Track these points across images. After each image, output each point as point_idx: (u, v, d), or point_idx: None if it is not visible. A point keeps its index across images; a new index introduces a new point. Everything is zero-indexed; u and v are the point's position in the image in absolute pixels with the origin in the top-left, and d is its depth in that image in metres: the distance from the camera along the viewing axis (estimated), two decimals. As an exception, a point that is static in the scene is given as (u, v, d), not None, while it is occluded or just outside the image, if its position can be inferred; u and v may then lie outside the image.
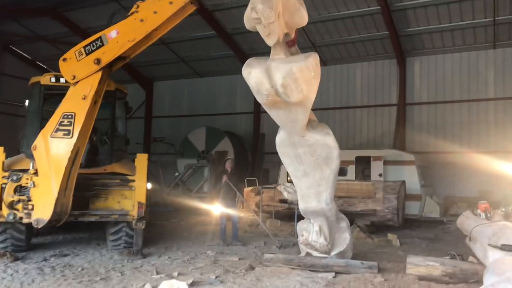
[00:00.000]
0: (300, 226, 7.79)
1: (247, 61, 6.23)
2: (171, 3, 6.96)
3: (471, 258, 6.88)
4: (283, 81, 5.82)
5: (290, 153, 6.95)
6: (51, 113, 7.77)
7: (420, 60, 17.72)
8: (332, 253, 7.28)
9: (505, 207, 6.89)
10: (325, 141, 6.76)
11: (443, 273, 6.32)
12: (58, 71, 7.75)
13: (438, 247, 9.76)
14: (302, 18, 5.96)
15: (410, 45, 17.37)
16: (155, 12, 7.00)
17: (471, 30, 16.04)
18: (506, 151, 15.49)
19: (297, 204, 10.63)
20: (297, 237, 7.80)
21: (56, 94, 8.58)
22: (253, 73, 6.02)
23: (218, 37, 18.83)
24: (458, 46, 16.86)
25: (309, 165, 6.93)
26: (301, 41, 16.90)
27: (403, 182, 12.57)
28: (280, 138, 6.96)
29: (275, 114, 6.54)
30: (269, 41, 5.92)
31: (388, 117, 18.07)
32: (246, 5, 6.12)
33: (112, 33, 7.10)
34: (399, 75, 17.78)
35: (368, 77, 18.65)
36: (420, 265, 6.55)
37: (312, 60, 5.91)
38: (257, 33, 6.17)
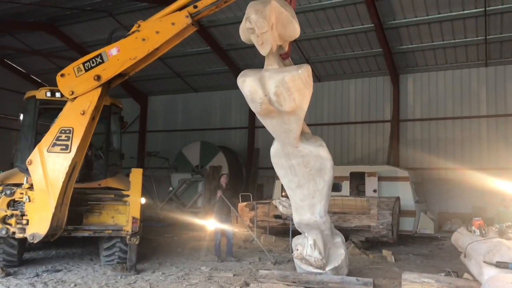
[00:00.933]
0: (295, 241, 7.77)
1: (242, 72, 6.43)
2: (173, 24, 7.07)
3: (466, 275, 6.87)
4: (276, 89, 6.01)
5: (284, 164, 7.01)
6: (46, 127, 7.76)
7: (413, 77, 17.93)
8: (327, 268, 7.25)
9: (499, 224, 6.91)
10: (318, 152, 6.82)
11: (438, 290, 6.29)
12: (53, 85, 7.78)
13: (432, 263, 9.75)
14: (295, 30, 6.18)
15: (403, 62, 17.59)
16: (157, 32, 7.11)
17: (463, 48, 16.30)
18: (498, 167, 15.61)
19: (292, 219, 10.64)
20: (292, 253, 7.76)
21: (51, 109, 8.59)
22: (247, 82, 6.20)
23: (213, 53, 18.97)
24: (450, 63, 17.09)
25: (302, 177, 6.98)
26: (296, 58, 17.06)
27: (398, 198, 12.60)
28: (275, 149, 7.04)
29: (269, 124, 6.66)
30: (263, 51, 6.15)
31: (382, 133, 18.19)
32: (240, 22, 6.27)
33: (112, 50, 7.20)
34: (393, 92, 17.96)
35: (362, 94, 18.81)
36: (416, 281, 6.51)
37: (304, 71, 6.07)
38: (251, 48, 6.30)
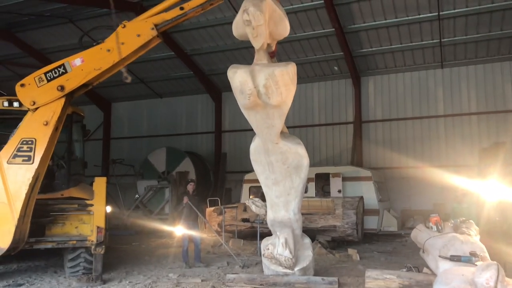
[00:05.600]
0: (265, 242, 7.88)
1: (232, 65, 6.66)
2: (139, 35, 7.15)
3: (425, 270, 7.16)
4: (266, 82, 6.27)
5: (263, 160, 7.21)
6: (2, 137, 7.57)
7: (374, 79, 18.47)
8: (296, 269, 7.39)
9: (454, 219, 7.25)
10: (296, 149, 7.12)
11: (400, 285, 6.54)
12: (12, 93, 7.64)
13: (396, 260, 10.07)
14: (285, 28, 6.53)
15: (364, 65, 18.09)
16: (122, 43, 7.14)
17: (420, 51, 16.93)
18: (456, 164, 16.30)
19: (261, 222, 10.76)
20: (261, 255, 7.85)
21: (8, 119, 8.36)
22: (239, 73, 6.42)
23: (177, 58, 18.87)
24: (409, 65, 17.72)
25: (280, 174, 7.21)
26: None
27: (361, 198, 12.94)
28: (255, 145, 7.22)
29: (253, 118, 6.85)
30: (256, 43, 6.42)
31: (345, 134, 18.62)
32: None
33: (76, 61, 7.22)
34: (354, 94, 18.42)
35: (325, 96, 19.22)
36: (378, 278, 6.74)
37: (292, 67, 6.40)
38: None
